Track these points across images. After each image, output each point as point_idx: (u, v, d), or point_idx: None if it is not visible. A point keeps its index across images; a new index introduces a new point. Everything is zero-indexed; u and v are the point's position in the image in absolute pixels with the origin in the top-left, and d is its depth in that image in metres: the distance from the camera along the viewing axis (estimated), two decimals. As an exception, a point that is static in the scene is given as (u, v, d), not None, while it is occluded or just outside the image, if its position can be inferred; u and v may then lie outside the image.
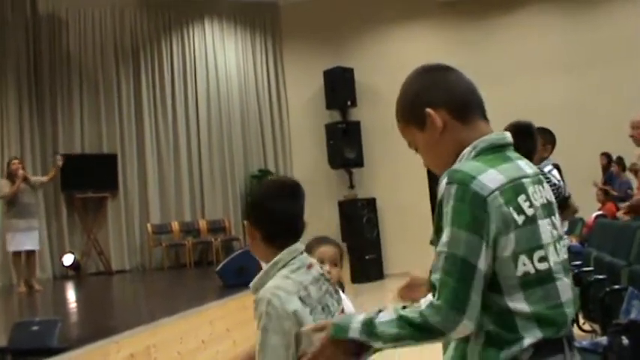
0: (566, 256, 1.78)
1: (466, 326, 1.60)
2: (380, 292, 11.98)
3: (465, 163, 1.73)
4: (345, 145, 14.29)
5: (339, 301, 2.22)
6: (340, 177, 14.60)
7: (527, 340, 1.63)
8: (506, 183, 1.67)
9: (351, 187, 14.38)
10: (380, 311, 1.73)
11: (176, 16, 14.66)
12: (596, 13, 13.75)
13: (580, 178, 10.05)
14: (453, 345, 1.74)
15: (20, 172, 10.20)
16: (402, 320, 1.65)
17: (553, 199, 1.81)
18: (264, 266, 2.12)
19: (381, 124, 14.49)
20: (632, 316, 2.73)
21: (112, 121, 13.83)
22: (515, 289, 1.64)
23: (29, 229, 10.20)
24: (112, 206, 13.71)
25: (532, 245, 1.67)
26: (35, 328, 4.63)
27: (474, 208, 1.62)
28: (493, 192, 1.64)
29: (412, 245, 13.69)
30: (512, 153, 1.80)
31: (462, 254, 1.60)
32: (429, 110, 1.80)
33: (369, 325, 1.70)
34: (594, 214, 9.68)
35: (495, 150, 1.77)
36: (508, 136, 1.82)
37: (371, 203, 14.16)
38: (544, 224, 1.71)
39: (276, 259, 2.10)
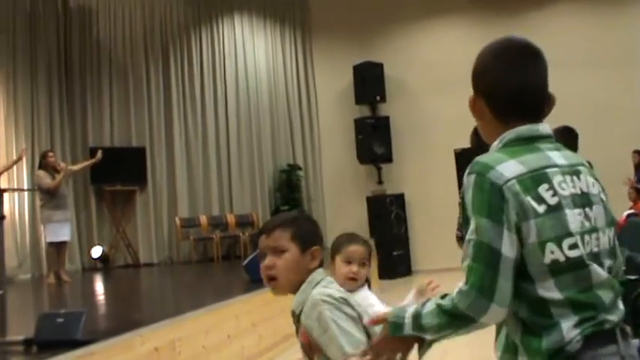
0: (597, 249, 1.73)
1: (496, 311, 1.62)
2: (407, 289, 11.89)
3: (487, 154, 1.79)
4: (374, 141, 14.22)
5: None
6: (369, 172, 14.53)
7: (565, 326, 1.63)
8: (525, 173, 1.69)
9: (380, 182, 14.31)
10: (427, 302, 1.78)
11: (206, 10, 14.68)
12: (627, 10, 13.56)
13: (611, 176, 9.88)
14: (503, 334, 1.76)
15: (62, 164, 10.31)
16: (438, 309, 1.70)
17: (595, 191, 1.79)
18: (303, 286, 2.19)
19: (411, 119, 14.44)
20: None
21: (141, 115, 13.89)
22: (545, 275, 1.65)
23: (65, 220, 10.31)
24: (140, 199, 13.77)
25: (559, 233, 1.66)
26: (60, 319, 4.61)
27: (491, 196, 1.66)
28: (509, 180, 1.67)
29: (440, 241, 13.56)
30: (544, 144, 1.79)
31: (487, 240, 1.63)
32: (470, 96, 1.90)
33: (416, 319, 1.75)
34: (626, 213, 9.50)
35: (522, 141, 1.78)
36: (541, 129, 1.81)
37: (399, 199, 14.08)
38: (573, 213, 1.69)
39: (310, 278, 2.19)
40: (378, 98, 14.50)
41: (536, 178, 1.69)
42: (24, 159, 11.29)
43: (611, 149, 11.94)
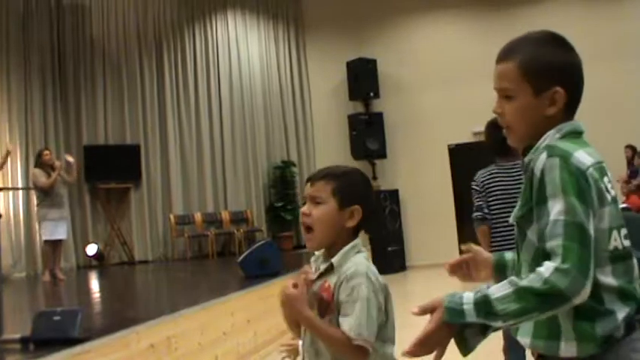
0: None
1: (588, 290, 1.62)
2: (402, 284, 11.95)
3: (558, 142, 1.79)
4: (367, 137, 14.26)
5: None
6: (363, 168, 14.36)
7: (619, 315, 1.69)
8: (594, 163, 1.75)
9: (374, 178, 14.33)
10: (487, 287, 1.71)
11: (199, 7, 14.67)
12: (622, 4, 13.61)
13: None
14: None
15: (57, 163, 10.31)
16: (523, 292, 1.63)
17: None
18: (347, 248, 2.20)
19: (404, 115, 14.47)
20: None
21: (135, 112, 13.89)
22: (606, 262, 1.71)
23: (61, 218, 10.34)
24: (135, 197, 13.78)
25: (619, 222, 1.77)
26: (57, 317, 4.63)
27: (579, 179, 1.69)
28: (589, 168, 1.72)
29: (435, 237, 13.67)
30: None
31: (580, 221, 1.65)
32: (559, 90, 1.84)
33: (484, 305, 1.68)
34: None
35: (576, 135, 1.84)
36: (583, 125, 1.89)
37: (393, 195, 14.12)
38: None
39: (354, 242, 2.21)
40: (371, 94, 14.54)
41: (601, 169, 1.76)
42: (17, 153, 11.29)
43: (603, 143, 11.94)
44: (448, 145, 14.12)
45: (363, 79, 14.40)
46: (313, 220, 2.20)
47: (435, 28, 14.58)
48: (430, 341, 1.74)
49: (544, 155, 1.73)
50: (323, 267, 2.20)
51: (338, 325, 2.08)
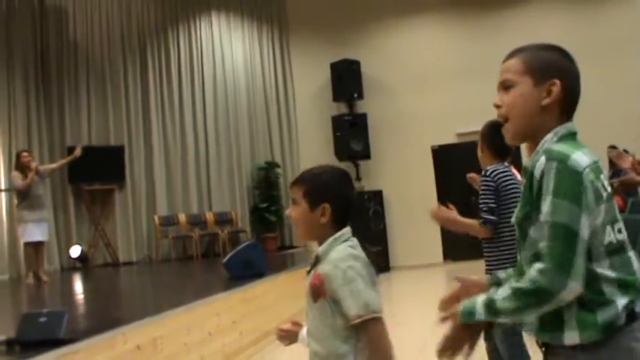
0: None
1: (574, 287, 1.74)
2: (386, 285, 11.98)
3: (556, 145, 1.89)
4: (351, 137, 14.30)
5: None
6: (347, 169, 14.57)
7: (620, 304, 1.79)
8: (591, 163, 1.84)
9: (358, 179, 14.38)
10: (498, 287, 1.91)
11: (183, 9, 14.68)
12: (603, 7, 13.72)
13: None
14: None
15: (33, 164, 10.28)
16: (515, 292, 1.80)
17: None
18: (330, 239, 2.36)
19: (388, 116, 14.53)
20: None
21: (119, 113, 13.87)
22: (602, 256, 1.82)
23: (40, 220, 10.28)
24: (119, 198, 13.76)
25: (612, 218, 1.86)
26: (43, 319, 4.63)
27: (573, 181, 1.79)
28: (585, 168, 1.81)
29: (418, 238, 13.73)
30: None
31: (565, 221, 1.76)
32: (556, 82, 1.94)
33: (490, 305, 1.85)
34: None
35: (571, 136, 1.94)
36: (576, 126, 1.98)
37: (377, 195, 14.17)
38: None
39: (340, 233, 2.37)
40: (355, 95, 14.59)
41: (597, 168, 1.85)
42: (0, 155, 11.26)
43: (587, 144, 12.07)
44: (431, 147, 14.20)
45: (346, 80, 14.45)
46: (294, 219, 2.43)
47: (419, 30, 14.65)
48: (455, 342, 1.94)
49: (543, 159, 1.83)
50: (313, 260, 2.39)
51: (329, 308, 2.26)
